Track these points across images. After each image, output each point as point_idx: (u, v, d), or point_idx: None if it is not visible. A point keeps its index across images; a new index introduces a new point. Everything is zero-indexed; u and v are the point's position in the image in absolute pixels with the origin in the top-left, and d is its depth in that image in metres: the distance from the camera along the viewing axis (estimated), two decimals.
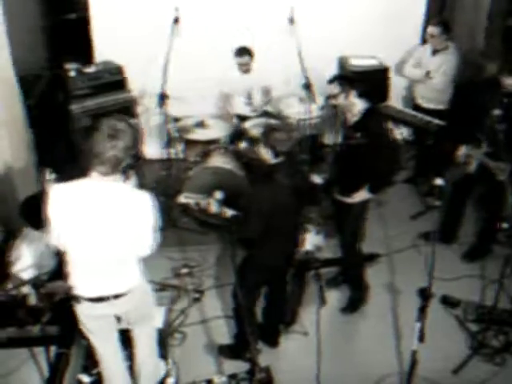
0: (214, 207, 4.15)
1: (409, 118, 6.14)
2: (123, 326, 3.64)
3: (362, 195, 4.45)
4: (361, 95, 4.28)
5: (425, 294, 3.48)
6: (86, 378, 3.96)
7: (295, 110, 6.41)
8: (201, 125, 5.97)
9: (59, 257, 3.57)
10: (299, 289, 4.64)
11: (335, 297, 5.01)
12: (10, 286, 3.79)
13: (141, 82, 6.39)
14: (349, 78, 4.82)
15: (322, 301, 4.04)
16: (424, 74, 6.09)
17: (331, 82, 4.36)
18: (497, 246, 5.37)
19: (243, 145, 5.73)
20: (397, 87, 7.04)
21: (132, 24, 6.33)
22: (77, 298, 3.31)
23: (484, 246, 5.41)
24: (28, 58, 5.83)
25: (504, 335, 4.52)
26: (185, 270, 5.20)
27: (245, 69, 6.17)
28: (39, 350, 3.81)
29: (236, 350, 4.37)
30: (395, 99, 6.98)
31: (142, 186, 3.41)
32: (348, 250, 4.79)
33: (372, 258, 5.32)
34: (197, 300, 4.91)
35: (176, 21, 5.49)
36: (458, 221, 5.54)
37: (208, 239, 5.70)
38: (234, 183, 5.32)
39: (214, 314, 4.81)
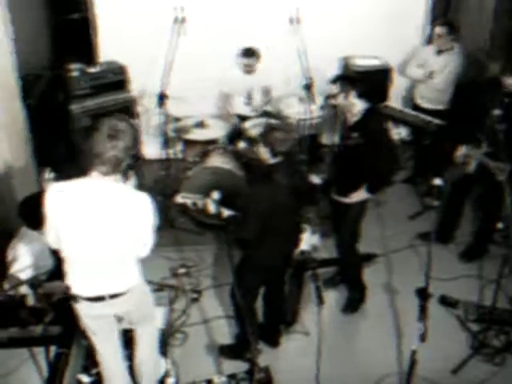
0: (211, 207, 4.15)
1: (409, 117, 6.14)
2: (125, 326, 3.65)
3: (360, 195, 4.45)
4: (361, 95, 4.28)
5: (423, 294, 3.48)
6: (85, 378, 3.96)
7: (295, 110, 6.41)
8: (200, 125, 5.99)
9: (57, 257, 3.57)
10: (297, 289, 4.64)
11: (334, 297, 5.02)
12: (7, 286, 3.79)
13: (142, 81, 6.41)
14: (351, 78, 4.82)
15: (320, 301, 4.03)
16: (426, 73, 6.09)
17: (333, 81, 4.36)
18: (493, 246, 5.38)
19: (242, 145, 5.74)
20: (397, 87, 7.03)
21: (135, 24, 6.35)
22: (75, 298, 3.32)
23: (481, 246, 5.41)
24: (31, 59, 5.84)
25: (505, 335, 4.52)
26: (182, 270, 5.21)
27: (249, 70, 6.20)
28: (38, 350, 3.80)
29: (237, 350, 4.36)
30: (395, 99, 6.98)
31: (140, 186, 3.41)
32: (346, 250, 4.79)
33: (369, 257, 5.32)
34: (195, 300, 4.92)
35: (180, 21, 5.49)
36: (455, 221, 5.54)
37: (205, 239, 5.71)
38: (233, 183, 5.32)
39: (214, 314, 4.81)
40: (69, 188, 3.09)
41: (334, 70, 6.68)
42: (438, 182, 4.56)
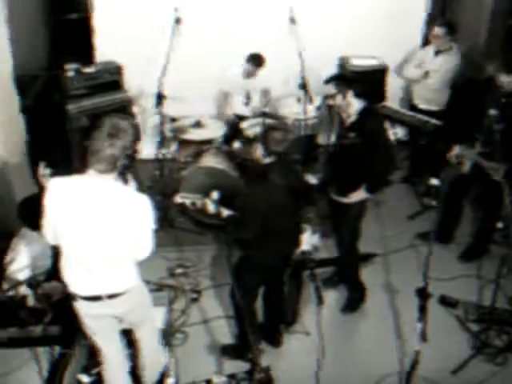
0: (210, 207, 4.14)
1: (406, 117, 6.14)
2: (125, 326, 3.65)
3: (359, 195, 4.44)
4: (358, 95, 4.27)
5: (423, 294, 3.47)
6: (85, 378, 3.96)
7: (292, 110, 6.40)
8: (197, 125, 5.97)
9: (56, 257, 3.56)
10: (296, 289, 4.63)
11: (334, 297, 5.02)
12: (5, 286, 3.78)
13: (140, 82, 6.40)
14: (346, 78, 4.82)
15: (320, 301, 4.03)
16: (422, 73, 6.08)
17: (328, 82, 4.35)
18: (493, 245, 5.38)
19: (237, 145, 5.73)
20: (394, 88, 7.05)
21: (132, 24, 6.34)
22: (73, 297, 3.31)
23: (481, 246, 5.41)
24: (28, 59, 5.82)
25: (506, 335, 4.52)
26: (180, 270, 5.20)
27: (250, 75, 6.18)
28: (41, 350, 3.82)
29: (239, 350, 4.36)
30: (392, 100, 6.98)
31: (139, 186, 3.41)
32: (347, 250, 4.79)
33: (369, 257, 5.32)
34: (195, 300, 4.91)
35: (178, 21, 5.47)
36: (454, 221, 5.54)
37: (204, 239, 5.69)
38: (229, 183, 5.31)
39: (214, 314, 4.80)
40: (68, 184, 3.09)
41: (333, 70, 6.67)
42: (434, 182, 4.57)
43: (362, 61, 6.81)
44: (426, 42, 6.68)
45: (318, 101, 6.31)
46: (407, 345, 4.35)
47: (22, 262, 3.94)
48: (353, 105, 4.27)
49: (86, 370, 3.97)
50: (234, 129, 6.15)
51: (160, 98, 5.66)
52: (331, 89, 4.31)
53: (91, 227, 3.08)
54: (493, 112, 4.47)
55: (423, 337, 3.46)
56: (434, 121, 5.87)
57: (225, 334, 4.62)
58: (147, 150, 6.50)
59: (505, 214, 4.55)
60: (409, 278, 4.54)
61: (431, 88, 6.11)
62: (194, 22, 5.85)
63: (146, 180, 6.22)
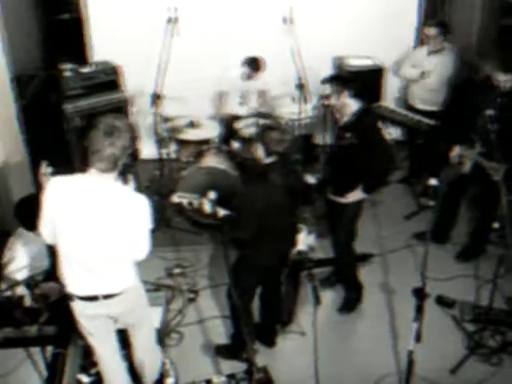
0: (207, 207, 4.14)
1: (400, 117, 6.16)
2: (120, 326, 3.65)
3: (356, 195, 4.44)
4: (354, 95, 4.28)
5: (420, 294, 3.47)
6: (85, 378, 3.97)
7: (288, 110, 6.40)
8: (191, 125, 5.97)
9: (53, 257, 3.55)
10: (293, 289, 4.64)
11: (331, 297, 5.01)
12: (3, 286, 3.77)
13: (138, 82, 6.39)
14: (342, 78, 4.81)
15: (317, 301, 4.03)
16: (419, 73, 6.09)
17: (324, 82, 4.35)
18: (490, 245, 5.38)
19: (235, 145, 5.73)
20: (391, 88, 7.06)
21: (130, 24, 6.35)
22: (70, 296, 3.31)
23: (477, 246, 5.41)
24: (24, 59, 5.83)
25: (501, 335, 4.52)
26: (177, 270, 5.20)
27: (249, 77, 6.20)
28: (35, 350, 3.83)
29: (233, 350, 4.36)
30: (389, 100, 7.00)
31: (137, 186, 3.41)
32: (343, 250, 4.79)
33: (366, 257, 5.32)
34: (192, 300, 4.91)
35: (174, 21, 5.47)
36: (451, 221, 5.55)
37: (201, 239, 5.70)
38: (228, 183, 5.32)
39: (210, 313, 4.80)
40: (68, 183, 3.11)
41: (329, 70, 6.68)
42: (433, 182, 4.57)
43: (357, 61, 6.81)
44: (420, 42, 6.68)
45: (314, 101, 6.33)
46: (404, 345, 4.33)
47: (19, 262, 3.93)
48: (349, 105, 4.27)
49: (85, 369, 3.97)
50: (228, 129, 6.15)
51: (155, 98, 5.66)
52: (326, 89, 4.31)
53: (90, 226, 3.09)
54: (489, 112, 4.49)
55: (418, 337, 3.47)
56: (427, 120, 5.88)
57: (220, 334, 4.62)
58: (147, 149, 6.51)
59: (501, 215, 4.57)
60: (405, 278, 4.57)
61: (428, 88, 6.12)
62: (193, 22, 5.87)
63: (145, 180, 6.22)
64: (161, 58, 5.52)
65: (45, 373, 3.78)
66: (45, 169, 3.45)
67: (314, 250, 4.70)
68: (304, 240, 4.41)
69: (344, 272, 4.99)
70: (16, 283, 3.71)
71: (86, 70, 6.27)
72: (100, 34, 6.48)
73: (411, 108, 6.32)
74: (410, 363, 3.62)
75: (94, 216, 3.07)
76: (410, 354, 3.57)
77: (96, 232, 3.10)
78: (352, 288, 4.90)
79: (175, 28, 5.51)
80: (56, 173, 3.33)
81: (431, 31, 5.96)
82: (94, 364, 3.79)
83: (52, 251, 3.56)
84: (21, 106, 5.56)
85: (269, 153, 3.82)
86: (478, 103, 4.89)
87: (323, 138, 6.41)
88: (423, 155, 6.19)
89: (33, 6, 6.66)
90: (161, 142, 6.02)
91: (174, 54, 5.55)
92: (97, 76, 6.29)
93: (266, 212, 3.74)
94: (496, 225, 5.30)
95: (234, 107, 6.42)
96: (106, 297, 3.28)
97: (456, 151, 5.07)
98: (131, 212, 3.12)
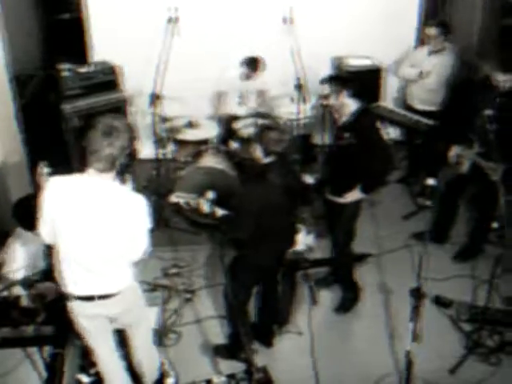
0: (205, 207, 4.14)
1: (399, 117, 6.16)
2: (117, 326, 3.64)
3: (354, 195, 4.44)
4: (353, 95, 4.28)
5: (417, 294, 3.48)
6: (85, 378, 3.97)
7: (286, 110, 6.40)
8: (190, 125, 5.97)
9: (50, 258, 3.56)
10: (290, 289, 4.64)
11: (328, 297, 5.01)
12: (0, 286, 3.77)
13: (137, 82, 6.38)
14: (341, 78, 4.82)
15: (313, 301, 4.04)
16: (418, 73, 6.09)
17: (323, 82, 4.36)
18: (488, 245, 5.38)
19: (234, 145, 5.73)
20: (390, 88, 7.07)
21: (130, 24, 6.35)
22: (67, 296, 3.31)
23: (476, 246, 5.41)
24: (23, 58, 5.83)
25: (499, 335, 4.52)
26: (174, 270, 5.20)
27: (248, 77, 6.21)
28: (34, 350, 3.82)
29: (231, 350, 4.36)
30: (388, 100, 7.00)
31: (135, 186, 3.41)
32: (341, 250, 4.79)
33: (364, 257, 5.32)
34: (188, 300, 4.90)
35: (174, 21, 5.47)
36: (450, 221, 5.55)
37: (199, 239, 5.70)
38: (226, 183, 5.32)
39: (207, 313, 4.80)
40: (66, 183, 3.11)
41: (329, 70, 6.69)
42: (431, 182, 4.56)
43: (357, 61, 6.82)
44: (421, 42, 6.68)
45: (313, 101, 6.33)
46: (402, 345, 4.33)
47: (17, 262, 3.93)
48: (348, 105, 4.27)
49: (84, 369, 3.98)
50: (227, 129, 6.15)
51: (154, 98, 5.67)
52: (325, 89, 4.32)
53: (88, 225, 3.09)
54: (488, 112, 4.49)
55: (414, 337, 3.48)
56: (426, 120, 5.88)
57: (218, 333, 4.62)
58: (145, 150, 6.52)
59: (500, 214, 4.57)
60: (403, 278, 4.56)
61: (427, 88, 6.12)
62: (190, 22, 5.84)
63: (142, 180, 6.22)
64: (160, 57, 5.51)
65: (44, 373, 3.79)
66: (42, 169, 3.45)
67: (312, 250, 4.70)
68: (303, 240, 4.42)
69: (341, 272, 4.98)
70: (12, 283, 3.71)
71: (84, 69, 6.27)
72: (100, 33, 6.48)
73: (410, 108, 6.32)
74: (409, 363, 3.63)
75: (93, 216, 3.08)
76: (408, 353, 3.58)
77: (95, 232, 3.10)
78: (349, 288, 4.90)
79: (175, 28, 5.51)
80: (54, 173, 3.35)
81: (432, 31, 5.97)
82: (94, 364, 3.79)
83: (50, 251, 3.56)
84: (19, 105, 5.55)
85: (267, 153, 3.82)
86: (476, 103, 4.90)
87: (322, 138, 6.42)
88: (421, 155, 6.19)
89: (33, 5, 6.66)
90: (159, 142, 6.03)
91: (174, 53, 5.54)
92: (95, 76, 6.29)
93: (264, 212, 3.74)
94: (494, 225, 5.30)
95: (232, 107, 6.42)
96: (103, 297, 3.27)
97: (454, 151, 5.08)
98: (130, 212, 3.12)
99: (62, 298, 3.39)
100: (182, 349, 4.46)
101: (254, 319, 4.48)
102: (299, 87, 5.83)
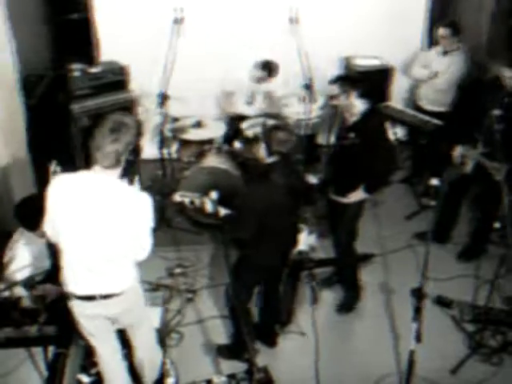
0: (208, 206, 4.16)
1: (407, 117, 6.15)
2: (120, 327, 3.66)
3: (357, 195, 4.45)
4: (362, 96, 4.28)
5: (418, 294, 3.48)
6: (85, 378, 3.98)
7: (294, 110, 6.41)
8: (198, 125, 6.00)
9: (54, 257, 3.59)
10: (292, 289, 4.64)
11: (331, 297, 5.02)
12: (1, 286, 3.79)
13: (143, 82, 6.40)
14: (351, 78, 4.81)
15: (314, 301, 4.05)
16: (431, 74, 6.08)
17: (333, 82, 4.36)
18: (491, 245, 5.37)
19: (238, 145, 5.75)
20: (399, 88, 7.04)
21: (136, 24, 6.38)
22: (69, 296, 3.33)
23: (478, 246, 5.41)
24: (32, 59, 5.86)
25: (501, 335, 4.52)
26: (178, 270, 5.22)
27: (261, 81, 6.21)
28: (37, 350, 3.82)
29: (234, 350, 4.37)
30: (397, 100, 6.98)
31: (139, 187, 3.44)
32: (344, 250, 4.79)
33: (367, 257, 5.32)
34: (189, 300, 4.92)
35: (179, 21, 5.50)
36: (452, 221, 5.54)
37: (202, 239, 5.72)
38: (230, 183, 5.33)
39: (210, 313, 4.82)
40: (71, 180, 3.14)
41: (336, 70, 6.68)
42: (434, 182, 4.57)
43: (366, 61, 6.81)
44: (432, 43, 6.64)
45: (321, 101, 6.33)
46: (404, 345, 4.34)
47: (19, 262, 3.93)
48: (357, 105, 4.27)
49: (85, 369, 3.99)
50: (234, 128, 6.17)
51: (163, 97, 5.70)
52: (334, 89, 4.32)
53: (92, 223, 3.11)
54: (496, 112, 4.49)
55: (418, 337, 3.48)
56: (435, 121, 5.87)
57: (220, 333, 4.64)
58: (149, 149, 6.55)
59: (502, 214, 4.57)
60: (406, 278, 4.54)
61: (438, 88, 6.10)
62: (196, 22, 5.87)
63: (146, 180, 6.25)
64: (167, 58, 5.54)
65: (45, 373, 3.80)
66: (54, 168, 3.48)
67: (315, 250, 4.72)
68: (305, 240, 4.43)
69: (345, 272, 4.99)
70: (14, 283, 3.73)
71: (93, 70, 6.29)
72: (106, 33, 6.52)
73: (419, 109, 6.29)
74: (411, 363, 3.63)
75: (96, 213, 3.09)
76: (412, 353, 3.57)
77: (98, 229, 3.12)
78: (351, 288, 4.91)
79: (181, 28, 5.54)
80: (65, 172, 3.37)
81: (443, 32, 5.95)
82: (95, 364, 3.81)
83: (53, 251, 3.59)
84: (28, 106, 5.59)
85: (271, 152, 3.83)
86: (485, 103, 4.89)
87: (326, 138, 6.42)
88: (426, 155, 6.18)
89: (41, 5, 6.69)
90: (164, 142, 6.06)
91: (180, 54, 5.56)
92: (104, 76, 6.31)
93: (267, 212, 3.75)
94: (497, 225, 5.30)
95: (240, 107, 6.43)
96: (105, 297, 3.28)
97: (458, 151, 5.08)
98: (134, 209, 3.13)
99: (62, 299, 3.42)
100: (185, 349, 4.48)
101: (256, 319, 4.49)
102: (307, 87, 5.83)
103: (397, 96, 7.04)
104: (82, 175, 3.14)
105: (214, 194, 4.38)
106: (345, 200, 4.50)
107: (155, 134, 6.50)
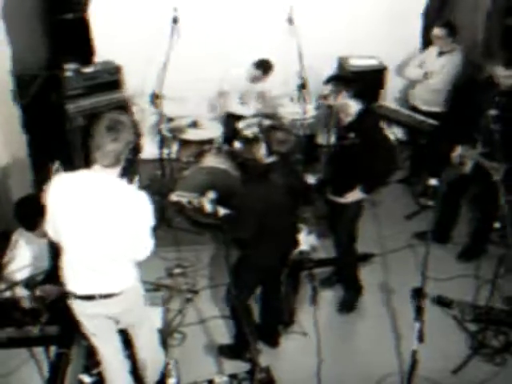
0: (207, 206, 4.14)
1: (403, 117, 6.15)
2: (122, 327, 3.65)
3: (355, 195, 4.44)
4: (354, 96, 4.27)
5: (419, 294, 3.47)
6: (87, 379, 3.97)
7: (290, 110, 6.39)
8: (194, 125, 5.98)
9: (54, 257, 3.56)
10: (293, 289, 4.63)
11: (331, 297, 5.01)
12: (2, 287, 3.77)
13: (139, 82, 6.38)
14: (343, 78, 4.81)
15: (314, 301, 4.04)
16: (423, 73, 6.09)
17: (327, 82, 4.35)
18: (491, 245, 5.38)
19: (237, 145, 5.73)
20: (394, 88, 7.05)
21: (131, 24, 6.34)
22: (69, 296, 3.33)
23: (478, 246, 5.41)
24: (27, 58, 5.82)
25: (504, 335, 4.52)
26: (178, 270, 5.20)
27: (257, 80, 6.19)
28: (39, 350, 3.81)
29: (236, 350, 4.37)
30: (391, 100, 6.98)
31: (138, 186, 3.42)
32: (345, 250, 4.78)
33: (367, 257, 5.32)
34: (189, 300, 4.90)
35: (175, 21, 5.48)
36: (452, 221, 5.54)
37: (202, 239, 5.70)
38: (229, 183, 5.31)
39: (212, 313, 4.81)
40: (71, 179, 3.13)
41: (332, 70, 6.68)
42: (433, 182, 4.57)
43: (360, 61, 6.80)
44: (427, 44, 6.65)
45: (315, 101, 6.32)
46: (405, 345, 4.35)
47: (19, 262, 3.91)
48: (351, 105, 4.26)
49: (87, 369, 3.98)
50: (231, 128, 6.15)
51: (154, 97, 5.68)
52: (324, 89, 4.32)
53: (92, 222, 3.10)
54: (492, 112, 4.49)
55: (420, 337, 3.46)
56: (430, 121, 5.87)
57: (223, 333, 4.62)
58: (148, 149, 6.52)
59: (502, 214, 4.57)
60: (406, 277, 4.55)
61: (432, 89, 6.11)
62: (192, 22, 5.85)
63: (145, 180, 6.23)
64: (164, 58, 5.52)
65: (47, 373, 3.78)
66: (56, 167, 3.47)
67: (316, 250, 4.71)
68: (305, 240, 4.42)
69: (345, 272, 4.98)
70: (14, 284, 3.71)
71: (88, 69, 6.26)
72: (101, 33, 6.46)
73: (414, 109, 6.30)
74: (414, 363, 3.61)
75: (96, 212, 3.08)
76: (414, 353, 3.55)
77: (98, 228, 3.11)
78: (351, 288, 4.91)
79: (178, 28, 5.52)
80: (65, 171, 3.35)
81: (439, 32, 5.95)
82: (96, 364, 3.80)
83: (53, 251, 3.56)
84: (23, 105, 5.56)
85: (270, 152, 3.82)
86: (480, 103, 4.90)
87: (326, 138, 6.41)
88: (425, 155, 6.18)
89: (37, 5, 6.65)
90: (163, 142, 6.03)
91: (177, 54, 5.55)
92: (99, 76, 6.27)
93: (266, 212, 3.74)
94: (497, 225, 5.30)
95: (234, 106, 6.41)
96: (105, 296, 3.27)
97: (457, 151, 5.07)
98: (133, 208, 3.12)
99: (62, 299, 3.41)
100: (187, 349, 4.46)
101: (257, 319, 4.47)
102: (302, 87, 5.82)
103: (391, 96, 7.05)
104: (81, 174, 3.14)
105: (211, 194, 4.35)
106: (342, 200, 4.49)
107: (155, 133, 6.46)
